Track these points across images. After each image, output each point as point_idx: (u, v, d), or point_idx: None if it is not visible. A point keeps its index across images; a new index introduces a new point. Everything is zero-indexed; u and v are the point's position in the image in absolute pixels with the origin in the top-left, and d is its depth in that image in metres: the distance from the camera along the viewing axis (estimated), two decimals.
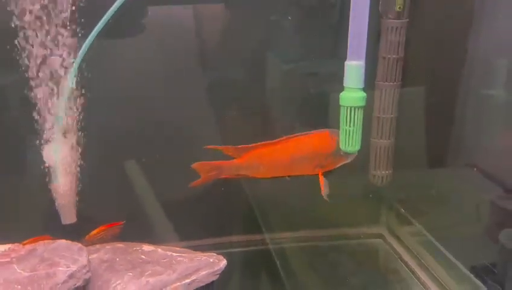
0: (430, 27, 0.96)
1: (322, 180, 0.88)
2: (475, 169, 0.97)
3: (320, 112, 1.06)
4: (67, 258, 0.73)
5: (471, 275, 0.90)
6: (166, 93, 1.07)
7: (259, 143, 0.90)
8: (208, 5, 1.05)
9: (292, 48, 1.09)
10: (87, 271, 0.72)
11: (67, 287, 0.70)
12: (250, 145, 0.91)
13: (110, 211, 1.01)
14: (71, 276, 0.70)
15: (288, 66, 1.08)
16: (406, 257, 1.01)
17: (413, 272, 0.98)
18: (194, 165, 0.91)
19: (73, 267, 0.71)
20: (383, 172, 0.99)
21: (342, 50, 1.04)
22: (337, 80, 1.08)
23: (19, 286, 0.69)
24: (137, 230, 0.95)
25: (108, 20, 0.79)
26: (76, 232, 0.89)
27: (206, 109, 1.12)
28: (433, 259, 0.97)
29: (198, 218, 1.16)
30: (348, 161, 0.88)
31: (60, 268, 0.71)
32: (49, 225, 0.95)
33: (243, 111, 1.12)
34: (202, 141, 0.93)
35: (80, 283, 0.71)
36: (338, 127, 0.84)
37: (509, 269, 0.88)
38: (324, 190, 0.88)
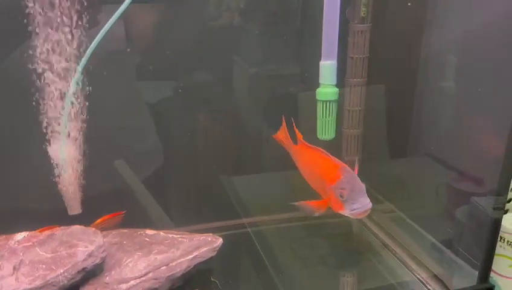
0: (390, 30, 1.09)
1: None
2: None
3: (287, 111, 1.18)
4: (85, 240, 0.82)
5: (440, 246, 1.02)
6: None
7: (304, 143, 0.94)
8: (176, 10, 1.12)
9: (257, 52, 1.19)
10: (104, 250, 0.82)
11: (86, 264, 0.79)
12: (302, 141, 0.95)
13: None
14: (90, 255, 0.80)
15: (254, 69, 1.18)
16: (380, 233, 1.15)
17: (386, 246, 1.09)
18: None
19: (91, 247, 0.80)
20: (354, 158, 1.12)
21: (305, 52, 1.16)
22: (301, 81, 1.21)
23: (44, 266, 0.78)
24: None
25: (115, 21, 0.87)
26: (80, 222, 0.98)
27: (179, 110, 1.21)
28: (403, 233, 1.10)
29: (184, 207, 1.27)
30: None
31: (79, 249, 0.80)
32: (54, 216, 1.02)
33: (212, 113, 1.22)
34: None
35: (97, 261, 0.80)
36: (308, 124, 0.95)
37: (465, 241, 1.02)
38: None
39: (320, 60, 0.96)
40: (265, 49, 1.18)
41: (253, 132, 1.26)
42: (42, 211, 1.03)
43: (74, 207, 1.00)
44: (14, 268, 0.76)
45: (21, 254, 0.79)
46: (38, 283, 0.74)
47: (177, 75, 1.15)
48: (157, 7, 1.10)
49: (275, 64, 1.20)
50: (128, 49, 1.06)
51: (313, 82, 1.21)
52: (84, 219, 0.99)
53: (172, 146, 1.23)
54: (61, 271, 0.76)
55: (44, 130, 0.95)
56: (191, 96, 1.18)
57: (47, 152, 0.96)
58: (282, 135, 1.01)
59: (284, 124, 1.01)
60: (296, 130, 0.95)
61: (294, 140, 0.99)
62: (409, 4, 1.04)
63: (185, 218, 1.20)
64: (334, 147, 1.03)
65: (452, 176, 1.04)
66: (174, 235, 0.94)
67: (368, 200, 0.79)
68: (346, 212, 0.81)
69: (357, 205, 0.79)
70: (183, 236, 0.94)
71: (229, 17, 1.14)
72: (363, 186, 0.81)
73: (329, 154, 0.87)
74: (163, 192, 1.25)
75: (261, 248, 1.11)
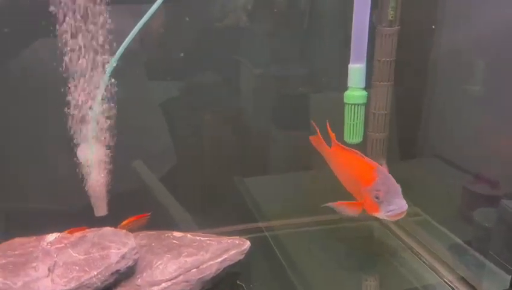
0: (417, 33, 1.10)
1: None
2: None
3: (295, 113, 1.18)
4: (117, 242, 0.82)
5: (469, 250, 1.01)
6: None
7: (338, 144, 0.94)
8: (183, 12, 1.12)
9: (263, 53, 1.19)
10: (136, 252, 0.81)
11: (119, 266, 0.79)
12: (336, 143, 0.95)
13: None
14: (123, 257, 0.79)
15: (259, 71, 1.18)
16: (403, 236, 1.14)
17: (410, 249, 1.08)
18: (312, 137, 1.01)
19: (124, 249, 0.80)
20: (378, 162, 1.12)
21: (311, 54, 1.16)
22: (307, 83, 1.22)
23: (77, 267, 0.77)
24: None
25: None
26: (104, 224, 0.97)
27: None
28: (429, 236, 1.09)
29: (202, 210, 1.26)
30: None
31: (112, 251, 0.80)
32: (77, 217, 1.02)
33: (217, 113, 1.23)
34: None
35: (130, 263, 0.80)
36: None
37: (495, 244, 1.01)
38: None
39: (328, 61, 0.96)
40: (271, 50, 1.18)
41: (274, 134, 1.26)
42: (67, 212, 1.03)
43: (101, 208, 1.00)
44: (49, 269, 0.76)
45: (55, 256, 0.79)
46: (73, 284, 0.74)
47: (201, 74, 1.16)
48: (167, 8, 1.10)
49: (292, 66, 1.21)
50: (182, 54, 1.07)
51: (324, 83, 1.22)
52: (109, 220, 1.00)
53: (186, 147, 1.23)
54: (95, 273, 0.76)
55: (72, 132, 0.95)
56: (210, 97, 1.19)
57: (74, 154, 0.96)
58: (315, 137, 1.01)
59: (314, 126, 1.01)
60: (330, 132, 0.94)
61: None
62: (433, 27, 1.05)
63: (205, 221, 1.20)
64: (358, 150, 1.03)
65: (479, 179, 1.04)
66: (202, 238, 0.94)
67: (404, 201, 0.79)
68: (381, 214, 0.80)
69: (393, 206, 0.78)
70: (211, 239, 0.94)
71: (236, 18, 1.15)
72: (398, 187, 0.80)
73: (364, 156, 0.86)
74: (177, 196, 1.25)
75: (279, 251, 1.11)
